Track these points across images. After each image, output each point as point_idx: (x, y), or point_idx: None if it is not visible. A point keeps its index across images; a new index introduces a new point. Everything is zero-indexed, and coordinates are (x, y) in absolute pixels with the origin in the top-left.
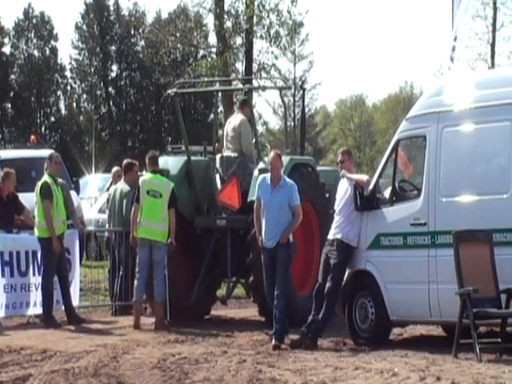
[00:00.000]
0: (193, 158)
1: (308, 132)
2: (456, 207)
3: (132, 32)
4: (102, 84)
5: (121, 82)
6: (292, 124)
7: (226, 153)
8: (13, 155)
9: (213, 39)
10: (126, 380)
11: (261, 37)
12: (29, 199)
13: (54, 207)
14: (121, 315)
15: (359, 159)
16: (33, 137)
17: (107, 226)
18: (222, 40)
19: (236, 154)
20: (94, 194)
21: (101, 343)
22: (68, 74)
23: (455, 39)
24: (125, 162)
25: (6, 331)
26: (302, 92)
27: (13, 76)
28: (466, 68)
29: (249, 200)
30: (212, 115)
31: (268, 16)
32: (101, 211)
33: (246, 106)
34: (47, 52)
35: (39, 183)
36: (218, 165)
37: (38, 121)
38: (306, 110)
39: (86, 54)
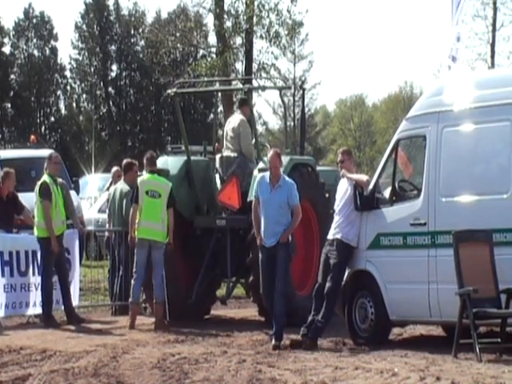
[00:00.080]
0: (192, 157)
1: (308, 132)
2: (456, 207)
3: (132, 32)
4: (101, 84)
5: (121, 82)
6: (292, 124)
7: (226, 153)
8: (13, 155)
9: (213, 39)
10: (125, 380)
11: (261, 37)
12: (29, 199)
13: (53, 207)
14: (120, 315)
15: (359, 159)
16: (33, 137)
17: (107, 225)
18: (222, 40)
19: (236, 154)
20: (94, 194)
21: (100, 343)
22: (68, 73)
23: (458, 40)
24: (124, 161)
25: (5, 331)
26: (301, 92)
27: (13, 76)
28: (465, 68)
29: (248, 200)
30: (212, 115)
31: (268, 16)
32: (100, 211)
33: (246, 105)
34: (47, 52)
35: (38, 183)
36: (217, 165)
37: (38, 121)
38: (306, 109)
39: (86, 53)
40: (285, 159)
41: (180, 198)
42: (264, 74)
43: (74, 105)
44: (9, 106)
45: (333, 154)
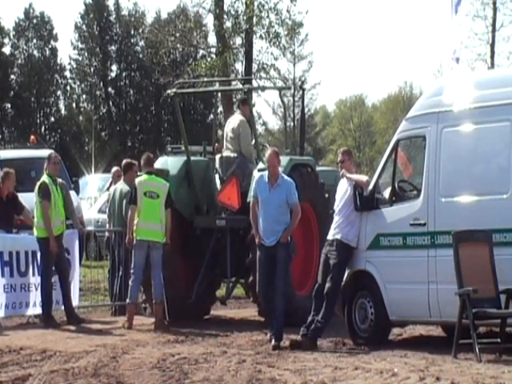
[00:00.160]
0: (192, 158)
1: (307, 132)
2: (456, 207)
3: (132, 32)
4: (101, 84)
5: (120, 82)
6: (291, 124)
7: (226, 153)
8: (12, 155)
9: (212, 39)
10: (125, 380)
11: (260, 37)
12: (28, 199)
13: (52, 207)
14: (120, 315)
15: (359, 159)
16: (32, 137)
17: (107, 226)
18: (222, 40)
19: (235, 155)
20: (94, 194)
21: (100, 343)
22: (68, 74)
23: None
24: (124, 161)
25: (5, 331)
26: (301, 92)
27: (13, 76)
28: (465, 68)
29: (248, 200)
30: (211, 115)
31: (268, 16)
32: (100, 211)
33: (246, 106)
34: (47, 52)
35: (38, 183)
36: (217, 165)
37: (38, 121)
38: (306, 110)
39: (86, 54)
40: (284, 159)
41: (180, 198)
42: (264, 75)
43: (74, 105)
44: (9, 106)
45: (332, 154)
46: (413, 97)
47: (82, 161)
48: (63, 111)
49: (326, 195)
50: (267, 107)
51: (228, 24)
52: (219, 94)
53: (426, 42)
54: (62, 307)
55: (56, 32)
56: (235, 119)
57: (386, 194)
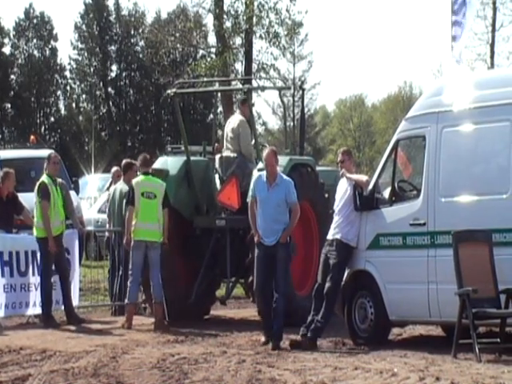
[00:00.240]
0: (192, 158)
1: (307, 132)
2: (455, 207)
3: (132, 32)
4: (101, 84)
5: (120, 82)
6: (291, 124)
7: (226, 153)
8: (12, 155)
9: (212, 39)
10: (125, 380)
11: (260, 37)
12: (28, 199)
13: (51, 207)
14: (120, 315)
15: (358, 159)
16: (32, 137)
17: (107, 225)
18: (222, 40)
19: (235, 155)
20: (94, 194)
21: (100, 343)
22: (68, 74)
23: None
24: (124, 161)
25: (5, 331)
26: (301, 92)
27: (13, 76)
28: (465, 68)
29: (248, 200)
30: (211, 115)
31: (267, 16)
32: (100, 211)
33: (246, 106)
34: (47, 52)
35: (37, 183)
36: (217, 165)
37: (38, 121)
38: (306, 110)
39: (86, 54)
40: (284, 159)
41: (180, 198)
42: (263, 75)
43: (74, 105)
44: (9, 106)
45: (332, 154)
46: (413, 97)
47: (81, 161)
48: (63, 111)
49: (326, 195)
50: (267, 107)
51: (228, 24)
52: (219, 94)
53: (426, 42)
54: (62, 307)
55: (56, 32)
56: (235, 119)
57: (386, 193)
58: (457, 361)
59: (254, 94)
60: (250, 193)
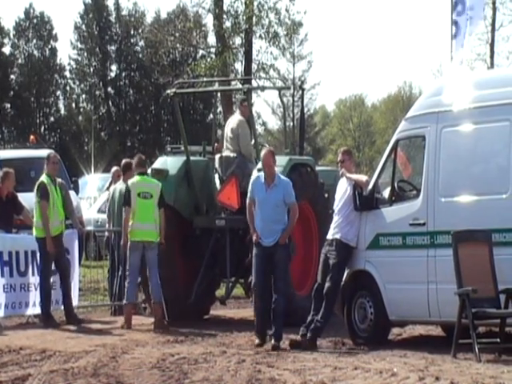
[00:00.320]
0: (192, 158)
1: (307, 132)
2: (455, 207)
3: (131, 32)
4: (101, 84)
5: (120, 82)
6: (291, 124)
7: (225, 153)
8: (12, 155)
9: (212, 39)
10: (125, 380)
11: (260, 37)
12: (28, 199)
13: (50, 207)
14: (120, 315)
15: (358, 159)
16: (32, 137)
17: (107, 225)
18: (221, 40)
19: (235, 155)
20: (93, 194)
21: (100, 343)
22: (67, 74)
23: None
24: (124, 161)
25: (5, 331)
26: (301, 92)
27: (12, 76)
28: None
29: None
30: (211, 115)
31: (267, 15)
32: (100, 211)
33: (245, 106)
34: (47, 52)
35: (36, 183)
36: (217, 165)
37: (38, 121)
38: (305, 110)
39: (85, 54)
40: (284, 159)
41: (179, 198)
42: (263, 75)
43: (74, 105)
44: (8, 106)
45: (332, 154)
46: (412, 97)
47: (81, 161)
48: (63, 111)
49: (326, 195)
50: (267, 107)
51: (227, 24)
52: (219, 94)
53: (426, 42)
54: (62, 307)
55: (56, 32)
56: (235, 119)
57: (386, 193)
58: (456, 361)
59: (253, 94)
60: (248, 194)
